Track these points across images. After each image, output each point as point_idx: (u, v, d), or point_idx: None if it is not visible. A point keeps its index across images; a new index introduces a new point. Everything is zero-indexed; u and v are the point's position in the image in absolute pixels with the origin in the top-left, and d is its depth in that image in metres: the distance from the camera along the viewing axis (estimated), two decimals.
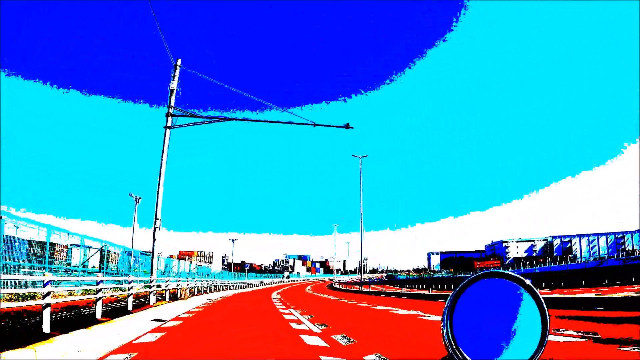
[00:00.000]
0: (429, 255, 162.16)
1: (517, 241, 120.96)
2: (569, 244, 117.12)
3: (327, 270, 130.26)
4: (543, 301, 0.81)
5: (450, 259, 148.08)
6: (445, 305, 0.84)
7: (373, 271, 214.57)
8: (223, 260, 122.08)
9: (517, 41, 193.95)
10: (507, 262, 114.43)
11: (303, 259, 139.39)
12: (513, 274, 0.82)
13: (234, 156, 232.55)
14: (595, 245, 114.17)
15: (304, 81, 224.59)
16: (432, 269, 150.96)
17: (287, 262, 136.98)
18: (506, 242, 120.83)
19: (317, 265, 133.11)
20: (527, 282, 0.81)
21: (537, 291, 0.81)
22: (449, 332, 0.82)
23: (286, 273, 62.63)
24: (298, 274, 71.50)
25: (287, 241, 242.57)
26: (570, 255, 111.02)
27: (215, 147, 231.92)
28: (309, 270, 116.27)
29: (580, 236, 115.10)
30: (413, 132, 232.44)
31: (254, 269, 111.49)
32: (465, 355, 0.81)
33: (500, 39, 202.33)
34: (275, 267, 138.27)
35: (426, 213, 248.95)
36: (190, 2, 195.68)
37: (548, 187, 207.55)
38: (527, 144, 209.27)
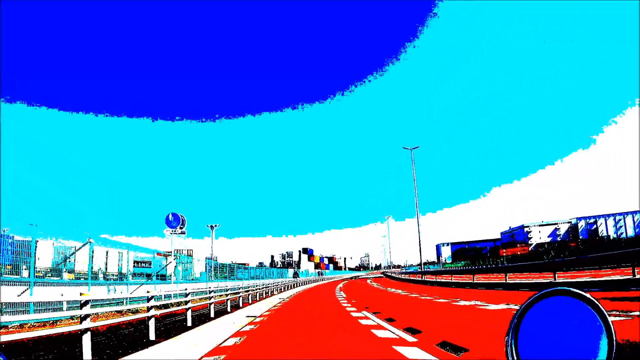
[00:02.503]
0: (438, 247, 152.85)
1: (540, 225, 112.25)
2: (595, 226, 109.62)
3: (336, 266, 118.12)
4: (610, 321, 0.80)
5: (462, 250, 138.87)
6: (510, 323, 0.84)
7: (378, 267, 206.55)
8: (208, 263, 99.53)
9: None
10: (531, 248, 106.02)
11: (309, 253, 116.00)
12: (580, 291, 0.80)
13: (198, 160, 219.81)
14: (622, 226, 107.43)
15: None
16: (443, 261, 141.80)
17: (291, 257, 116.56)
18: (528, 226, 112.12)
19: (326, 261, 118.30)
20: (594, 300, 0.79)
21: (604, 310, 0.80)
22: (513, 349, 0.81)
23: (291, 270, 49.43)
24: (306, 270, 58.26)
25: (269, 243, 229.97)
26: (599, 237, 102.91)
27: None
28: (317, 266, 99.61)
29: (605, 216, 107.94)
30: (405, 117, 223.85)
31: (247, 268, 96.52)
32: None
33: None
34: (273, 266, 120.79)
35: (425, 204, 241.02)
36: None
37: (556, 164, 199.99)
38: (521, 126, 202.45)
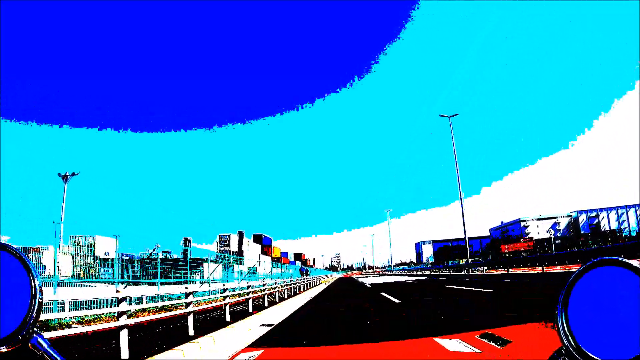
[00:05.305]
0: (418, 245, 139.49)
1: (537, 219, 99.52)
2: (597, 219, 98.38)
3: (305, 265, 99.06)
4: None
5: (445, 248, 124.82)
6: (560, 295, 0.80)
7: (350, 268, 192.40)
8: (124, 256, 49.72)
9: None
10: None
11: (264, 242, 73.94)
12: (628, 260, 0.74)
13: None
14: (625, 220, 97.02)
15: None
16: (425, 261, 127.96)
17: (227, 242, 64.90)
18: (524, 220, 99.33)
19: (291, 257, 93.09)
20: None
21: None
22: (564, 322, 0.77)
23: (207, 267, 17.93)
24: (254, 268, 29.55)
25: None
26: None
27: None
28: (277, 262, 54.60)
29: (607, 210, 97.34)
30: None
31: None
32: (582, 348, 0.75)
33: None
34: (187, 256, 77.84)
35: (398, 205, 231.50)
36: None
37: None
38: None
